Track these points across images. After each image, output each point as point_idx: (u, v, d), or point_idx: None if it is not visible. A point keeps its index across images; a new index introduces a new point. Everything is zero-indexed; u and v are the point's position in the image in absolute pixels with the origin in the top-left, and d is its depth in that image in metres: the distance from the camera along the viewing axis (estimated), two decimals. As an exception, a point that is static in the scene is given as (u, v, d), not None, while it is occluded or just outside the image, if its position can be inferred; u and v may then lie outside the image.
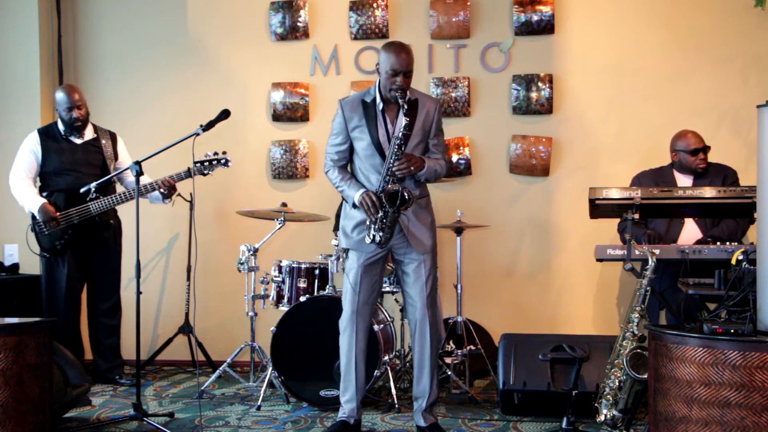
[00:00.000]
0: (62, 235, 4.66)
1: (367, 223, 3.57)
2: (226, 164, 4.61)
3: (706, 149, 4.51)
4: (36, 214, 4.64)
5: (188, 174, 4.58)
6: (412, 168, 3.53)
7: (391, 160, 3.52)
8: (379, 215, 3.53)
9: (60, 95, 4.75)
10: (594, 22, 5.33)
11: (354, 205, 3.63)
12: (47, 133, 4.81)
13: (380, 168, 3.59)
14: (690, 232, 4.45)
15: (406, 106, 3.49)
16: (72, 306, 4.81)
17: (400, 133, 3.49)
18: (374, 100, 3.63)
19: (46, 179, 4.78)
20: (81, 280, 4.85)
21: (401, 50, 3.54)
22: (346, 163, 3.75)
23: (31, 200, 4.67)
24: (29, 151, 4.76)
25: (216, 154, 4.59)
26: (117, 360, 4.92)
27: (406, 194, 3.50)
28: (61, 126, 4.80)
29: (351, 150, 3.70)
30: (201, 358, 5.23)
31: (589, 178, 5.12)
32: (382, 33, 5.46)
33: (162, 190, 4.58)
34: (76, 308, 4.86)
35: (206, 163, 4.57)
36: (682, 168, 4.54)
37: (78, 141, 4.80)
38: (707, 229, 4.43)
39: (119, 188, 4.87)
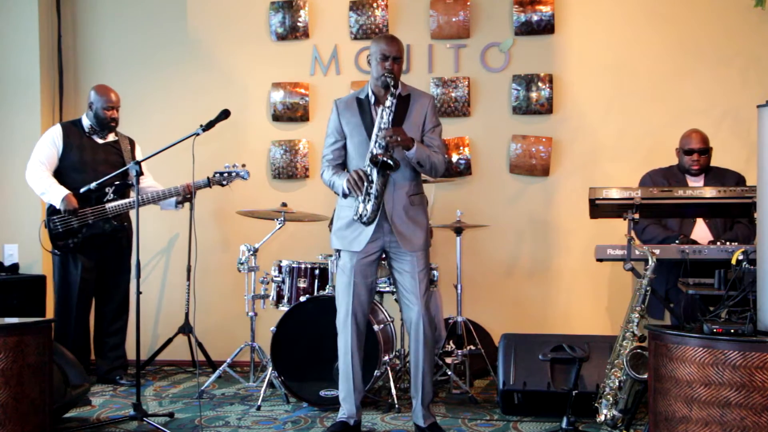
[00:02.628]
0: (76, 234, 4.66)
1: (356, 202, 3.56)
2: (244, 177, 4.70)
3: (704, 151, 4.49)
4: (58, 203, 4.60)
5: (207, 183, 4.64)
6: (399, 138, 3.49)
7: (380, 129, 3.52)
8: (365, 186, 3.51)
9: (101, 93, 4.75)
10: (594, 22, 5.33)
11: (345, 195, 3.62)
12: (71, 128, 4.79)
13: None
14: (700, 232, 4.45)
15: (392, 82, 3.53)
16: (84, 307, 4.81)
17: (392, 104, 3.53)
18: (367, 96, 3.68)
19: (63, 175, 4.73)
20: (92, 281, 4.84)
21: (391, 38, 3.66)
22: (342, 162, 3.74)
23: (54, 189, 4.62)
24: (51, 142, 4.73)
25: (235, 166, 4.66)
26: (119, 361, 4.92)
27: (391, 161, 3.47)
28: (86, 123, 4.80)
29: (346, 151, 3.71)
30: (201, 358, 5.23)
31: (589, 178, 5.12)
32: (382, 33, 5.46)
33: (186, 194, 4.62)
34: (87, 309, 4.86)
35: (225, 174, 4.63)
36: (681, 168, 4.55)
37: (100, 141, 4.81)
38: (718, 230, 4.43)
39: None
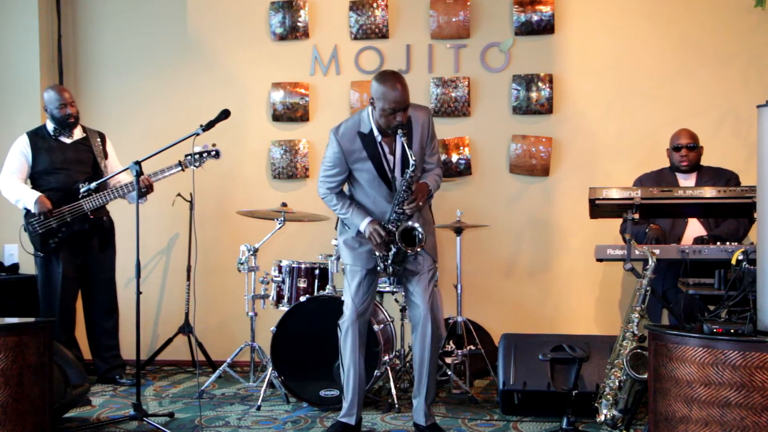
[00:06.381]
0: (56, 234, 4.66)
1: (377, 253, 3.59)
2: (217, 156, 4.65)
3: (692, 148, 4.50)
4: (32, 207, 4.63)
5: (179, 166, 4.60)
6: (421, 203, 3.55)
7: (399, 198, 3.52)
8: (391, 252, 3.55)
9: (51, 94, 4.78)
10: (594, 22, 5.33)
11: (358, 232, 3.63)
12: (36, 135, 4.82)
13: (386, 195, 3.60)
14: (693, 231, 4.45)
15: (411, 153, 3.45)
16: (68, 306, 4.81)
17: (408, 175, 3.48)
18: (371, 131, 3.57)
19: (37, 179, 4.78)
20: (76, 281, 4.85)
21: (397, 83, 3.44)
22: (342, 187, 3.74)
23: (26, 194, 4.67)
24: (19, 152, 4.76)
25: (206, 146, 4.63)
26: (116, 360, 4.93)
27: (420, 235, 3.53)
28: (50, 126, 4.81)
29: (349, 176, 3.68)
30: (201, 358, 5.23)
31: (589, 178, 5.12)
32: (382, 33, 5.46)
33: (142, 188, 4.58)
34: (71, 309, 4.86)
35: (197, 156, 4.59)
36: (672, 167, 4.57)
37: (67, 140, 4.82)
38: (710, 227, 4.44)
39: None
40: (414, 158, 3.45)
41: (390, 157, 3.59)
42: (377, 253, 3.59)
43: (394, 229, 3.55)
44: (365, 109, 3.61)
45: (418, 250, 3.58)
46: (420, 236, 3.54)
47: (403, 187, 3.51)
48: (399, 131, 3.45)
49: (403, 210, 3.53)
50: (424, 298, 3.65)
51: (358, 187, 3.68)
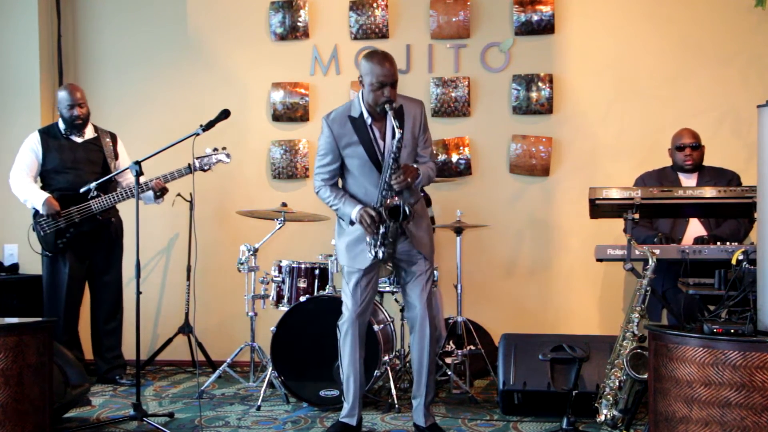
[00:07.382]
0: (64, 234, 4.67)
1: (368, 239, 3.56)
2: (225, 161, 4.66)
3: (696, 147, 4.50)
4: (40, 208, 4.63)
5: (188, 170, 4.60)
6: (409, 180, 3.50)
7: (387, 174, 3.50)
8: (381, 231, 3.52)
9: (62, 93, 4.78)
10: (594, 22, 5.33)
11: (351, 222, 3.61)
12: (48, 133, 4.83)
13: (377, 183, 3.57)
14: (694, 231, 4.46)
15: (397, 123, 3.43)
16: (72, 306, 4.81)
17: (394, 147, 3.45)
18: (361, 114, 3.58)
19: (46, 178, 4.79)
20: (82, 280, 4.86)
21: (385, 60, 3.48)
22: (337, 179, 3.73)
23: (34, 195, 4.67)
24: (30, 150, 4.77)
25: (215, 150, 4.62)
26: (117, 361, 4.93)
27: (407, 208, 3.49)
28: (61, 125, 4.82)
29: (341, 167, 3.66)
30: (201, 358, 5.23)
31: (589, 178, 5.12)
32: (382, 33, 5.46)
33: (156, 191, 4.61)
34: (76, 309, 4.86)
35: (205, 159, 4.59)
36: (675, 166, 4.57)
37: (78, 140, 4.82)
38: (711, 228, 4.44)
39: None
40: (401, 130, 3.43)
41: (380, 142, 3.58)
42: (368, 239, 3.55)
43: (383, 209, 3.52)
44: (357, 95, 3.62)
45: (408, 224, 3.52)
46: (407, 210, 3.48)
47: (390, 159, 3.47)
48: (387, 107, 3.44)
49: (391, 186, 3.49)
50: (421, 299, 3.65)
51: (349, 176, 3.66)
